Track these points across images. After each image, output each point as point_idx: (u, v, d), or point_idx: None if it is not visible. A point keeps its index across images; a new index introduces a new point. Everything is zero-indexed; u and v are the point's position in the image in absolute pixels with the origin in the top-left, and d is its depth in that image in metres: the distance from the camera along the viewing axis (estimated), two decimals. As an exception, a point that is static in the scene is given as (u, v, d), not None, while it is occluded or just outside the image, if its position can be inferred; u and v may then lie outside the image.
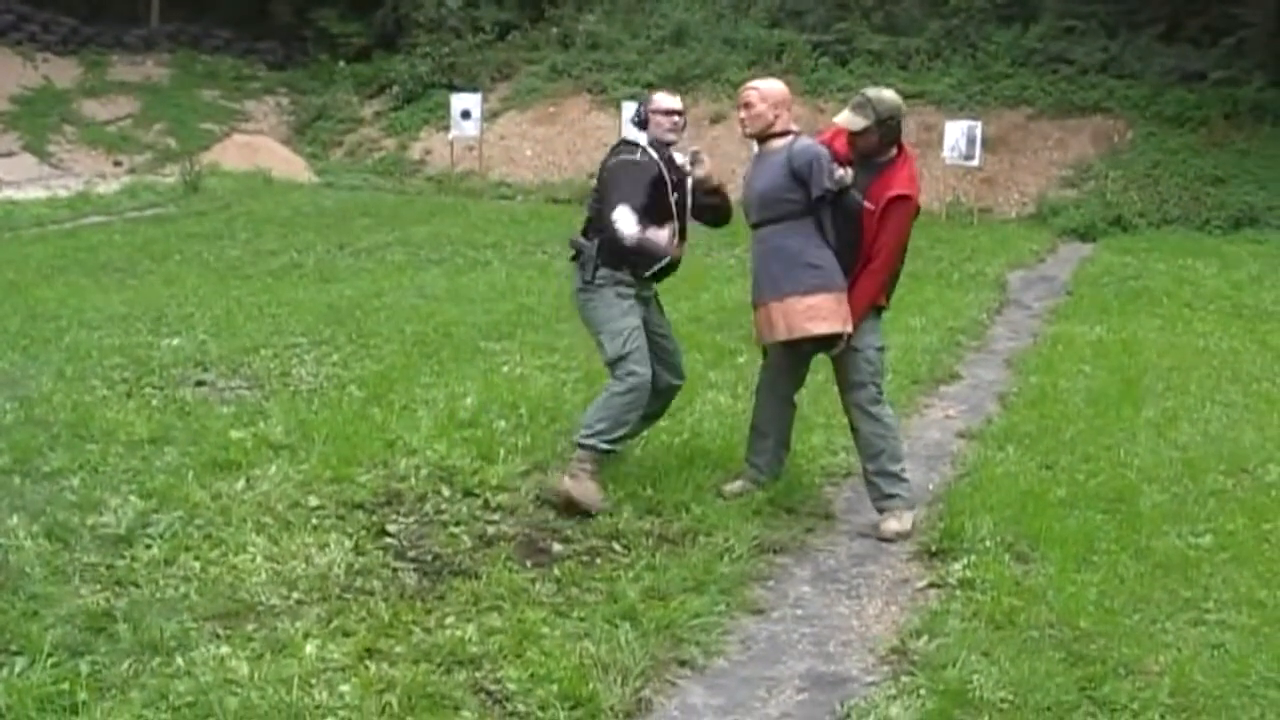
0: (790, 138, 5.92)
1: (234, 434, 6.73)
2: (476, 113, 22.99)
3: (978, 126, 20.85)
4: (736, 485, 6.19)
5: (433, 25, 26.83)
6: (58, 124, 25.00)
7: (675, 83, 23.48)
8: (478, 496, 6.01)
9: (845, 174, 5.83)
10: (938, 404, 8.51)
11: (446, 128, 24.05)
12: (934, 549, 5.64)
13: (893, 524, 5.92)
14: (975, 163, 20.52)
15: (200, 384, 8.04)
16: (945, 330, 10.57)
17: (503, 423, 7.11)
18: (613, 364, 6.01)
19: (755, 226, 6.01)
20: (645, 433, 6.59)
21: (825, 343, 5.87)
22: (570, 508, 5.78)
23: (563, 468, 6.11)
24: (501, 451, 6.57)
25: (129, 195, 19.26)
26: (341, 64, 27.77)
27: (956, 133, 20.79)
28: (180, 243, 15.04)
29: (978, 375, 9.38)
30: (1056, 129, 23.14)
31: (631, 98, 21.24)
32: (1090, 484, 6.56)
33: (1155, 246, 17.47)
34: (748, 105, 5.95)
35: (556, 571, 5.12)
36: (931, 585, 5.29)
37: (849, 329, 5.81)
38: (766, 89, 5.97)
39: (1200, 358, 10.06)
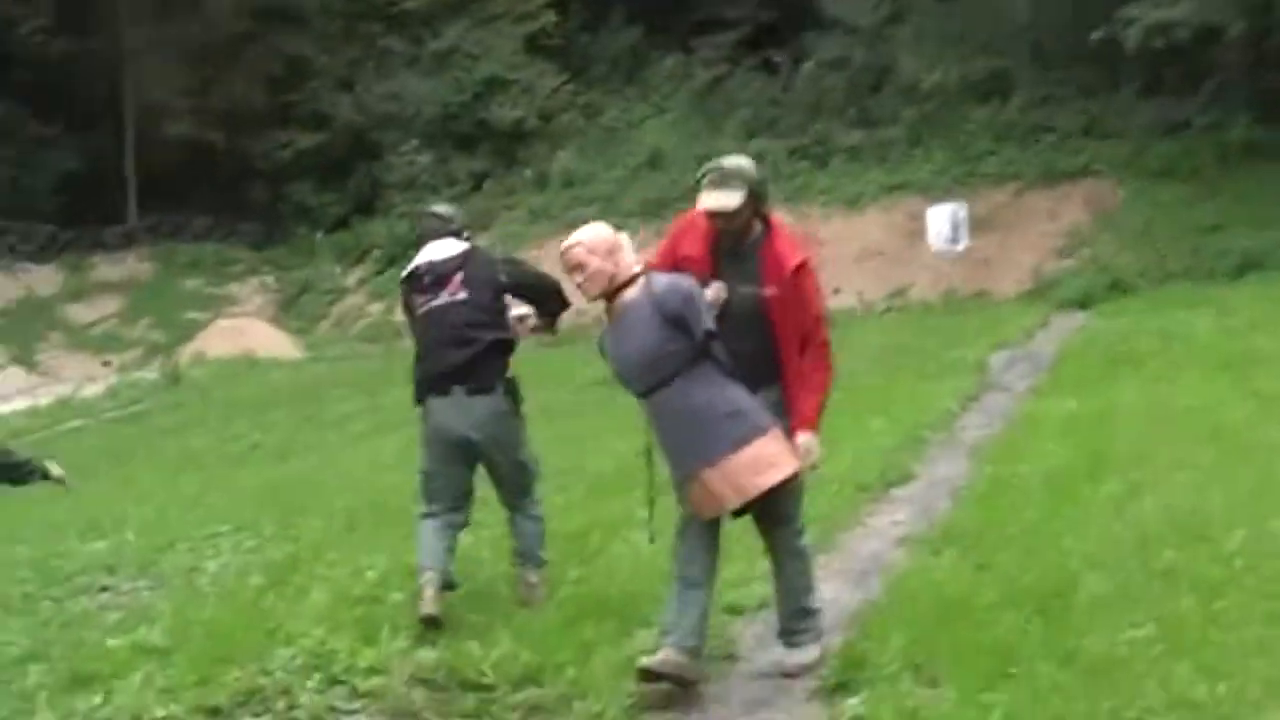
0: (642, 281, 5.07)
1: (110, 643, 6.30)
2: (460, 265, 22.82)
3: (962, 208, 20.44)
4: (669, 658, 5.04)
5: (406, 184, 27.06)
6: (43, 332, 25.16)
7: (656, 207, 23.36)
8: (345, 684, 5.51)
9: (718, 290, 5.14)
10: (885, 510, 7.95)
11: (432, 285, 23.89)
12: (835, 683, 5.04)
13: (798, 657, 5.31)
14: (960, 247, 20.03)
15: (104, 589, 7.67)
16: (908, 427, 10.01)
17: (398, 595, 6.63)
18: (531, 487, 6.29)
19: (643, 395, 5.15)
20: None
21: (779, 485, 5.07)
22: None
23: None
24: (386, 629, 6.09)
25: (111, 396, 19.26)
26: (320, 235, 27.93)
27: (940, 218, 20.37)
28: (149, 439, 14.89)
29: (935, 472, 8.80)
30: (1045, 199, 22.72)
31: (617, 228, 20.95)
32: (1025, 580, 5.95)
33: (1152, 305, 16.88)
34: (580, 266, 4.98)
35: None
36: (826, 727, 4.71)
37: (799, 464, 5.09)
38: (592, 241, 5.02)
39: (1178, 419, 9.46)
